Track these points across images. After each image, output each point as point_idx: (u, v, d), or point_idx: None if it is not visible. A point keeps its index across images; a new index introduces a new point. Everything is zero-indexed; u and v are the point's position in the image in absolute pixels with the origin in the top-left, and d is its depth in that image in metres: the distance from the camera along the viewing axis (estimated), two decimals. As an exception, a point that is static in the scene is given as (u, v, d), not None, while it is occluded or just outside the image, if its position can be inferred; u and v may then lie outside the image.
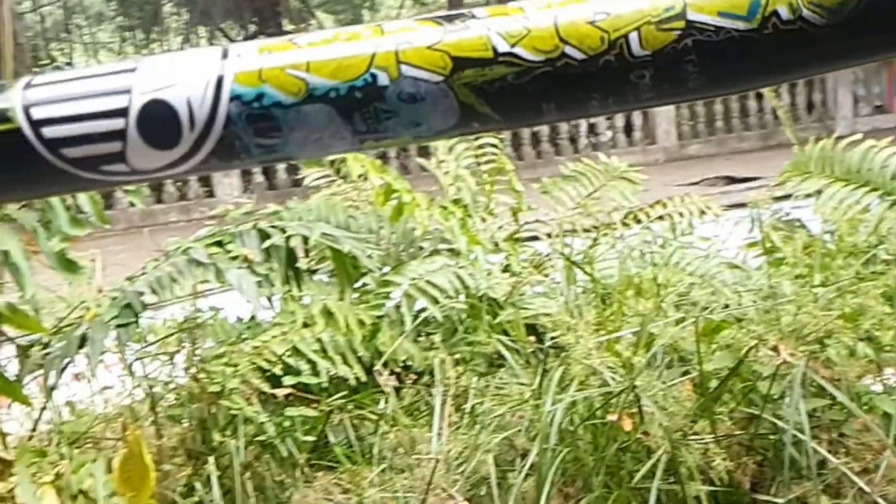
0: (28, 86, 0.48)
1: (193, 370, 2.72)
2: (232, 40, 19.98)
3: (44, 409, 2.64)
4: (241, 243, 2.52)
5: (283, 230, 2.52)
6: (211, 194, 13.24)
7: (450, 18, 0.48)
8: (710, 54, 0.47)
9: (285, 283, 2.55)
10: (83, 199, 2.31)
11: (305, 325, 2.94)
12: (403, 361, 2.94)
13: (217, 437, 2.60)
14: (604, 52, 0.47)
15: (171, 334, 2.85)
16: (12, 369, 2.95)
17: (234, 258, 2.51)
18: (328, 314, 2.95)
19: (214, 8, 20.56)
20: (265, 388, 2.72)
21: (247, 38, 19.68)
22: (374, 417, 2.80)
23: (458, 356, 2.89)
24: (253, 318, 3.12)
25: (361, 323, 2.89)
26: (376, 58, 0.47)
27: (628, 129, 15.39)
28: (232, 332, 3.02)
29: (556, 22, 0.47)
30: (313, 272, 3.23)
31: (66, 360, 2.53)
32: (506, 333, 3.09)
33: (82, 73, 0.48)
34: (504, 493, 2.42)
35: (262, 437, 2.66)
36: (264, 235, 2.56)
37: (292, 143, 0.48)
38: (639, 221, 3.93)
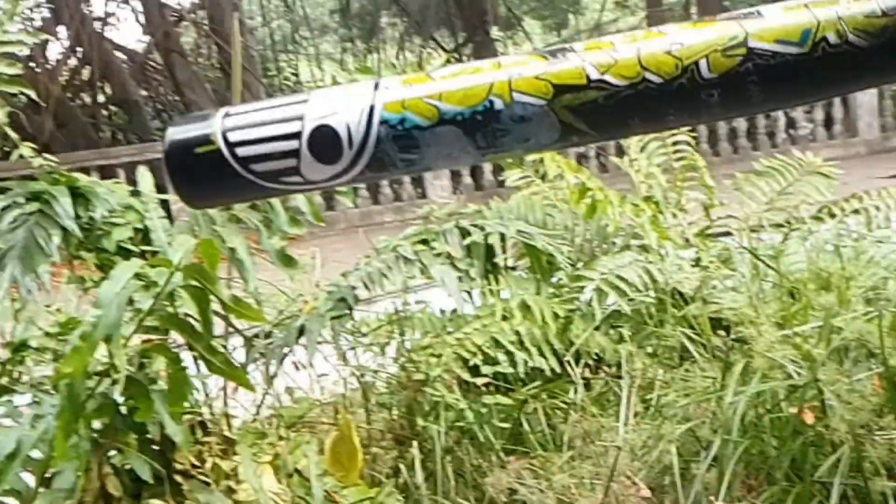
0: (226, 115, 0.61)
1: (401, 360, 2.90)
2: (444, 48, 20.49)
3: (266, 394, 2.88)
4: (444, 241, 2.66)
5: (482, 228, 2.65)
6: (423, 195, 13.71)
7: (553, 53, 0.57)
8: (769, 75, 0.54)
9: (484, 278, 2.68)
10: (301, 200, 2.52)
11: (504, 318, 3.06)
12: (594, 353, 3.02)
13: (421, 422, 2.77)
14: (678, 76, 0.54)
15: (381, 326, 3.04)
16: (239, 358, 3.23)
17: (438, 255, 2.65)
18: (525, 307, 3.07)
19: (427, 18, 21.16)
20: (465, 376, 2.86)
21: (457, 47, 20.16)
22: (564, 406, 2.90)
23: (645, 349, 2.94)
24: (455, 311, 3.28)
25: (556, 316, 3.00)
26: (494, 87, 0.57)
27: (828, 122, 14.74)
28: (436, 325, 3.19)
29: (639, 53, 0.55)
30: (513, 268, 3.36)
31: (286, 350, 2.75)
32: (691, 327, 3.11)
33: (267, 104, 0.60)
34: (687, 482, 2.46)
35: (461, 424, 2.80)
36: (465, 233, 2.69)
37: (428, 157, 0.59)
38: (833, 216, 3.83)
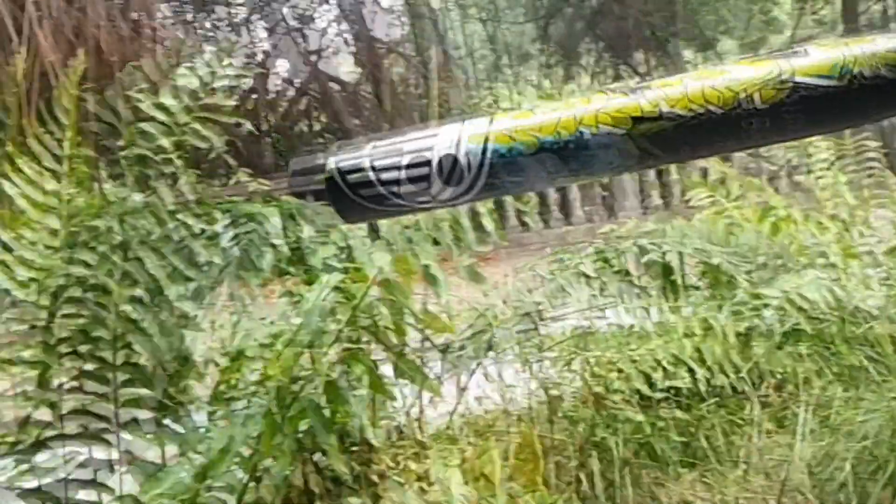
0: (374, 147, 0.74)
1: (583, 373, 2.98)
2: (637, 72, 20.36)
3: (458, 404, 3.03)
4: (623, 259, 2.74)
5: (660, 247, 2.71)
6: (613, 216, 13.72)
7: (633, 90, 0.67)
8: (811, 104, 0.62)
9: (661, 295, 2.74)
10: (487, 220, 2.66)
11: (686, 336, 3.10)
12: (774, 371, 3.00)
13: (600, 434, 2.85)
14: (734, 107, 0.63)
15: (564, 341, 3.14)
16: (435, 369, 3.40)
17: (617, 272, 2.74)
18: (707, 325, 3.09)
19: (620, 44, 21.11)
20: (644, 390, 2.92)
21: (648, 71, 20.01)
22: (741, 423, 2.90)
23: (825, 367, 2.90)
24: (632, 326, 3.33)
25: (737, 334, 3.01)
26: (583, 120, 0.67)
27: None
28: (616, 341, 3.25)
29: (703, 88, 0.64)
30: (696, 287, 3.39)
31: (477, 362, 2.90)
32: (872, 346, 3.04)
33: (406, 137, 0.73)
34: (861, 500, 2.41)
35: (639, 436, 2.86)
36: (643, 251, 2.77)
37: (531, 180, 0.69)
38: None
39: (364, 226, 2.79)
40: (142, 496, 2.60)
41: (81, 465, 2.85)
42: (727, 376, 2.91)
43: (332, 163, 0.72)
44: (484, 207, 2.59)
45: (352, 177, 0.70)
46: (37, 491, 2.83)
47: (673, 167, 13.65)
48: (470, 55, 23.37)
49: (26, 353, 3.10)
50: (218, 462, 2.26)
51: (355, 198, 0.72)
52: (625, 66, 21.55)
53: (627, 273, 2.71)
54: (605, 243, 2.93)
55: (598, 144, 0.64)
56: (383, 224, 2.75)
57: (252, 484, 2.57)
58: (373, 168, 0.70)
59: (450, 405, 2.98)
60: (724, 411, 2.94)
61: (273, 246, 2.54)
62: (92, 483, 2.83)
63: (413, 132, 0.71)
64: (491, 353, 2.84)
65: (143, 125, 2.80)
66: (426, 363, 3.32)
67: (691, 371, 2.95)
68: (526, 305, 2.83)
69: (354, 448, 2.59)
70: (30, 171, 3.20)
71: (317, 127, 19.16)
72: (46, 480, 2.84)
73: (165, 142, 2.70)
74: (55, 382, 2.84)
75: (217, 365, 3.15)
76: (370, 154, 0.70)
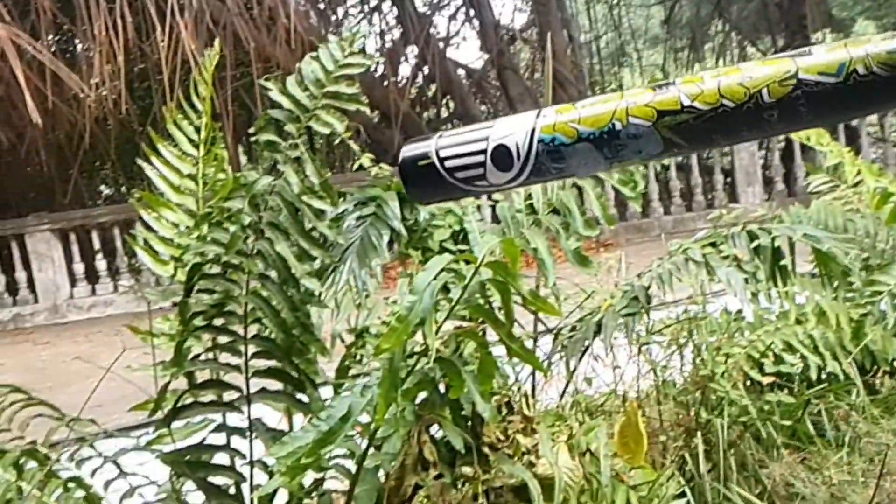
0: (440, 137, 0.84)
1: (692, 357, 3.02)
2: (764, 53, 19.85)
3: (568, 383, 3.12)
4: (732, 244, 2.77)
5: (769, 232, 2.73)
6: (734, 201, 13.47)
7: (659, 86, 0.75)
8: (814, 99, 0.69)
9: (770, 281, 2.75)
10: (595, 206, 2.74)
11: (798, 322, 3.10)
12: (887, 359, 2.97)
13: (705, 415, 2.89)
14: (746, 101, 0.71)
15: (672, 325, 3.19)
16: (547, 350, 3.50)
17: (725, 257, 2.77)
18: (821, 312, 3.09)
19: (747, 26, 20.62)
20: (752, 375, 2.94)
21: (776, 51, 19.46)
22: (847, 407, 2.89)
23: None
24: (740, 312, 3.35)
25: (850, 320, 2.99)
26: (616, 113, 0.76)
27: None
28: (725, 326, 3.27)
29: (720, 84, 0.72)
30: (813, 274, 3.37)
31: (586, 343, 2.98)
32: None
33: (467, 129, 0.83)
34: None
35: (744, 419, 2.89)
36: (752, 237, 2.79)
37: (572, 166, 0.78)
38: None
39: (478, 212, 2.91)
40: (269, 460, 2.78)
41: (216, 431, 3.06)
42: (839, 362, 2.90)
43: (406, 151, 0.83)
44: (592, 193, 2.67)
45: (422, 163, 0.81)
46: (175, 453, 3.05)
47: (797, 153, 13.34)
48: (595, 39, 23.25)
49: (165, 326, 3.33)
50: (338, 429, 2.41)
51: (424, 182, 0.83)
52: (752, 47, 21.07)
53: (736, 259, 2.74)
54: (715, 229, 2.96)
55: (628, 135, 0.73)
56: (499, 209, 2.86)
57: (371, 450, 2.72)
58: (438, 157, 0.81)
59: (560, 385, 3.07)
60: (832, 396, 2.94)
61: (392, 228, 2.68)
62: (225, 448, 3.03)
63: (477, 125, 0.81)
64: (600, 336, 2.91)
65: (273, 112, 2.97)
66: (538, 345, 3.43)
67: (802, 357, 2.96)
68: (636, 290, 2.89)
69: (467, 421, 2.70)
70: (169, 154, 3.43)
71: (444, 113, 19.42)
72: (183, 444, 3.07)
73: (291, 128, 2.87)
74: (192, 354, 3.05)
75: (343, 341, 3.32)
76: (436, 145, 0.81)
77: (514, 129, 0.79)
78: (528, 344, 3.10)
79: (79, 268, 11.43)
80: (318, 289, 2.79)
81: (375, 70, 16.17)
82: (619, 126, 0.75)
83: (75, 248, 11.43)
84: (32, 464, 2.87)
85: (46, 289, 11.41)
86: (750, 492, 2.72)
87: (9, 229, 11.45)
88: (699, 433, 2.81)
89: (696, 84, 0.73)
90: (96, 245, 11.36)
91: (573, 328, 3.06)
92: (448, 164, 0.81)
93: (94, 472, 3.10)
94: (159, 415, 3.08)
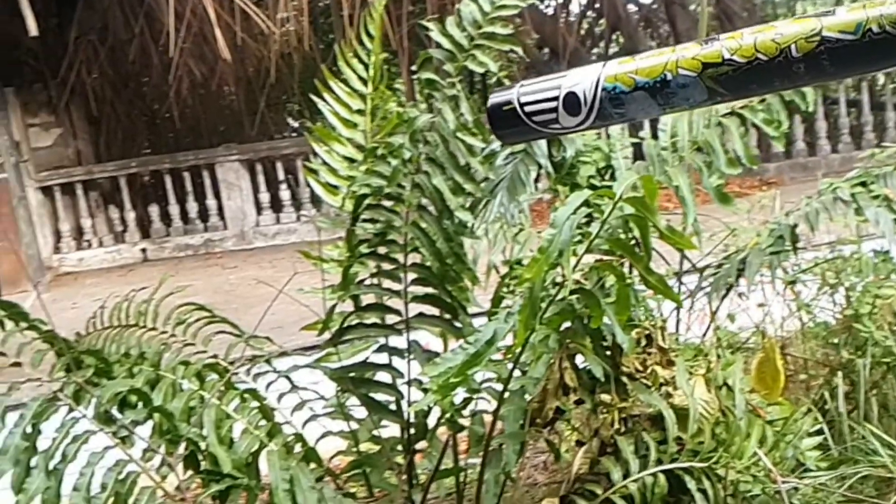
0: (521, 86, 0.97)
1: (836, 297, 3.02)
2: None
3: (711, 320, 3.18)
4: (883, 183, 2.75)
5: (923, 171, 2.69)
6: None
7: (706, 41, 0.85)
8: (836, 55, 0.78)
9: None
10: (738, 145, 2.77)
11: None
12: None
13: (847, 355, 2.89)
14: (777, 55, 0.80)
15: (818, 264, 3.17)
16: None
17: (875, 197, 2.75)
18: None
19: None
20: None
21: None
22: None
23: None
24: (887, 253, 3.28)
25: None
26: (667, 65, 0.86)
27: None
28: (872, 267, 3.22)
29: (755, 40, 0.82)
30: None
31: (729, 280, 3.02)
32: None
33: (544, 78, 0.95)
34: None
35: (888, 360, 2.87)
36: (904, 176, 2.75)
37: (630, 111, 0.89)
38: None
39: (628, 148, 2.98)
40: (424, 379, 2.99)
41: (377, 351, 3.29)
42: None
43: (493, 97, 0.96)
44: (735, 132, 2.70)
45: (506, 108, 0.94)
46: (340, 370, 3.30)
47: None
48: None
49: (335, 253, 3.57)
50: (483, 351, 2.57)
51: (508, 125, 0.96)
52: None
53: (887, 199, 2.72)
54: (867, 168, 2.93)
55: (677, 84, 0.84)
56: (645, 147, 2.92)
57: (517, 374, 2.88)
58: (519, 103, 0.94)
59: (704, 322, 3.13)
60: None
61: (539, 165, 2.80)
62: (386, 367, 3.26)
63: (552, 75, 0.93)
64: (745, 274, 2.95)
65: (432, 51, 3.12)
66: (684, 282, 3.48)
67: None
68: (781, 228, 2.91)
69: (607, 351, 2.82)
70: (340, 91, 3.64)
71: (613, 49, 19.08)
72: (348, 363, 3.31)
73: (450, 67, 3.01)
74: (357, 279, 3.28)
75: (498, 272, 3.48)
76: (518, 93, 0.94)
77: (582, 79, 0.91)
78: (673, 281, 3.18)
79: (264, 197, 12.02)
80: (470, 221, 2.94)
81: (547, 7, 16.06)
82: (669, 76, 0.86)
83: (261, 178, 12.02)
84: (213, 376, 3.13)
85: (234, 216, 12.08)
86: (891, 434, 2.73)
87: (201, 159, 12.14)
88: (840, 373, 2.83)
89: (736, 39, 0.83)
90: (280, 176, 11.91)
91: (719, 265, 3.11)
92: (527, 108, 0.94)
93: (268, 386, 3.36)
94: (328, 335, 3.33)
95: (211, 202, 12.03)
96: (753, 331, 3.31)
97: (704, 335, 3.16)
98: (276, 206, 12.01)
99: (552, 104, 0.93)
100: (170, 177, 12.07)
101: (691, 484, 2.67)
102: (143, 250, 12.07)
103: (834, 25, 0.78)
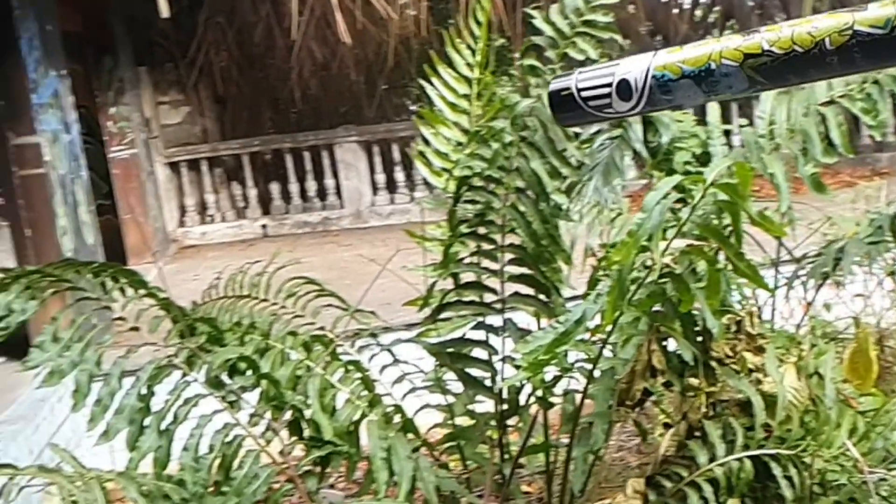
0: (579, 73, 1.02)
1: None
2: None
3: (806, 309, 3.15)
4: None
5: None
6: None
7: (748, 33, 0.89)
8: (866, 47, 0.81)
9: None
10: (835, 133, 2.73)
11: None
12: None
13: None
14: (812, 47, 0.83)
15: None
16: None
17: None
18: None
19: None
20: None
21: None
22: None
23: None
24: None
25: None
26: (711, 55, 0.90)
27: None
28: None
29: (793, 33, 0.85)
30: None
31: (826, 270, 2.99)
32: None
33: (599, 66, 1.00)
34: None
35: None
36: None
37: (678, 98, 0.94)
38: None
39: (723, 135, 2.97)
40: (517, 356, 3.05)
41: (474, 328, 3.37)
42: None
43: (553, 84, 1.02)
44: (833, 120, 2.67)
45: (564, 93, 1.00)
46: (439, 345, 3.39)
47: None
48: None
49: (437, 232, 3.66)
50: (572, 331, 2.62)
51: (567, 109, 1.02)
52: None
53: None
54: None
55: (720, 73, 0.89)
56: (742, 134, 2.91)
57: (607, 354, 2.92)
58: (577, 88, 0.99)
59: (799, 310, 3.10)
60: None
61: (634, 150, 2.82)
62: (482, 343, 3.33)
63: (607, 63, 0.99)
64: (842, 264, 2.91)
65: (535, 38, 3.17)
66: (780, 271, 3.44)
67: None
68: (881, 218, 2.86)
69: (697, 335, 2.83)
70: (448, 76, 3.72)
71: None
72: (447, 338, 3.39)
73: (551, 53, 3.06)
74: (457, 258, 3.36)
75: (595, 255, 3.52)
76: (575, 79, 1.00)
77: (634, 67, 0.96)
78: (768, 269, 3.16)
79: (380, 178, 12.22)
80: (565, 204, 2.99)
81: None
82: (713, 66, 0.90)
83: (377, 160, 12.23)
84: (319, 347, 3.24)
85: (351, 196, 12.32)
86: None
87: (321, 139, 12.42)
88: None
89: (775, 32, 0.87)
90: (396, 157, 12.09)
91: (818, 254, 3.08)
92: (583, 94, 1.00)
93: (371, 358, 3.47)
94: (428, 312, 3.42)
95: (329, 181, 12.30)
96: (852, 321, 3.26)
97: (799, 324, 3.13)
98: (391, 186, 12.21)
99: (606, 90, 0.98)
100: (290, 156, 12.37)
101: (777, 471, 2.67)
102: (264, 226, 12.42)
103: (865, 20, 0.82)
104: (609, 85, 0.98)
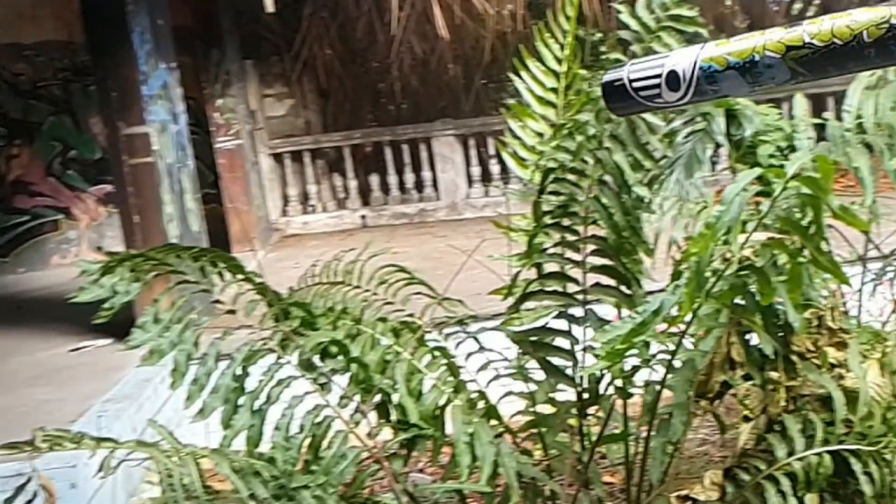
0: (631, 65, 1.04)
1: None
2: None
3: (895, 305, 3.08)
4: None
5: None
6: None
7: (791, 26, 0.89)
8: None
9: None
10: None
11: None
12: None
13: None
14: (851, 40, 0.84)
15: None
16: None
17: None
18: None
19: None
20: None
21: None
22: None
23: None
24: None
25: None
26: (755, 48, 0.91)
27: None
28: None
29: (833, 26, 0.86)
30: None
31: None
32: None
33: (651, 57, 1.02)
34: None
35: None
36: None
37: (724, 88, 0.95)
38: None
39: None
40: (595, 344, 3.07)
41: (556, 318, 3.39)
42: None
43: (607, 75, 1.05)
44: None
45: (617, 83, 1.03)
46: (522, 333, 3.42)
47: None
48: None
49: (523, 223, 3.69)
50: (650, 321, 2.62)
51: (619, 99, 1.04)
52: None
53: None
54: None
55: (764, 65, 0.90)
56: (828, 127, 2.87)
57: (688, 346, 2.91)
58: (628, 79, 1.02)
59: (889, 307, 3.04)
60: None
61: (716, 143, 2.80)
62: (564, 333, 3.35)
63: (657, 55, 1.01)
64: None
65: (621, 32, 3.17)
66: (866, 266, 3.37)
67: None
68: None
69: (778, 329, 2.80)
70: (536, 70, 3.74)
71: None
72: (529, 327, 3.42)
73: (637, 48, 3.06)
74: (541, 248, 3.38)
75: (679, 247, 3.50)
76: (627, 71, 1.02)
77: (682, 59, 0.98)
78: (854, 265, 3.10)
79: (475, 170, 12.28)
80: (647, 196, 2.99)
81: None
82: (757, 57, 0.92)
83: (473, 153, 12.29)
84: (407, 333, 3.30)
85: (447, 188, 12.41)
86: None
87: (419, 132, 12.54)
88: None
89: (816, 25, 0.88)
90: (491, 150, 12.13)
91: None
92: (635, 84, 1.02)
93: (457, 345, 3.52)
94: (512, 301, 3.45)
95: (426, 174, 12.41)
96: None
97: (886, 321, 3.06)
98: (486, 179, 12.25)
99: (656, 81, 1.00)
100: (390, 148, 12.52)
101: (857, 467, 2.63)
102: (363, 217, 12.60)
103: None
104: (659, 76, 1.00)
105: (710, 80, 0.96)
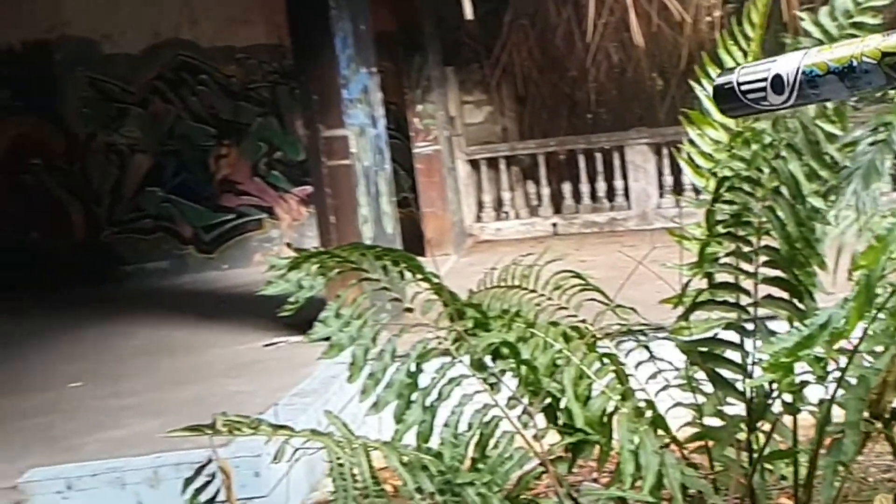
0: (741, 70, 1.05)
1: None
2: None
3: None
4: None
5: None
6: None
7: (887, 34, 0.89)
8: None
9: None
10: None
11: None
12: None
13: None
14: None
15: None
16: None
17: None
18: None
19: None
20: None
21: None
22: None
23: None
24: None
25: None
26: (854, 54, 0.91)
27: None
28: None
29: None
30: None
31: None
32: None
33: (759, 62, 1.03)
34: None
35: None
36: None
37: (824, 92, 0.95)
38: None
39: None
40: (761, 355, 2.99)
41: (726, 329, 3.32)
42: None
43: (718, 78, 1.07)
44: None
45: (727, 87, 1.05)
46: (691, 343, 3.37)
47: None
48: None
49: (696, 231, 3.63)
50: (816, 335, 2.53)
51: (729, 101, 1.06)
52: None
53: None
54: None
55: (861, 70, 0.91)
56: None
57: (863, 363, 2.79)
58: (737, 83, 1.04)
59: None
60: None
61: (895, 153, 2.68)
62: (734, 345, 3.28)
63: (764, 60, 1.02)
64: None
65: (803, 40, 3.08)
66: None
67: None
68: None
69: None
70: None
71: None
72: (699, 337, 3.37)
73: (817, 55, 2.95)
74: (713, 257, 3.33)
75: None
76: (737, 75, 1.04)
77: (787, 64, 0.99)
78: None
79: (667, 180, 12.08)
80: (822, 207, 2.89)
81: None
82: (855, 63, 0.92)
83: (666, 162, 12.08)
84: (578, 338, 3.31)
85: (638, 197, 12.25)
86: None
87: (613, 141, 12.44)
88: None
89: None
90: (685, 160, 11.89)
91: None
92: (743, 87, 1.04)
93: (628, 353, 3.49)
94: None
95: (618, 183, 12.31)
96: None
97: None
98: (678, 189, 12.03)
99: (762, 84, 1.02)
100: (583, 157, 12.49)
101: None
102: (554, 224, 12.62)
103: None
104: (765, 80, 1.01)
105: (812, 85, 0.96)
